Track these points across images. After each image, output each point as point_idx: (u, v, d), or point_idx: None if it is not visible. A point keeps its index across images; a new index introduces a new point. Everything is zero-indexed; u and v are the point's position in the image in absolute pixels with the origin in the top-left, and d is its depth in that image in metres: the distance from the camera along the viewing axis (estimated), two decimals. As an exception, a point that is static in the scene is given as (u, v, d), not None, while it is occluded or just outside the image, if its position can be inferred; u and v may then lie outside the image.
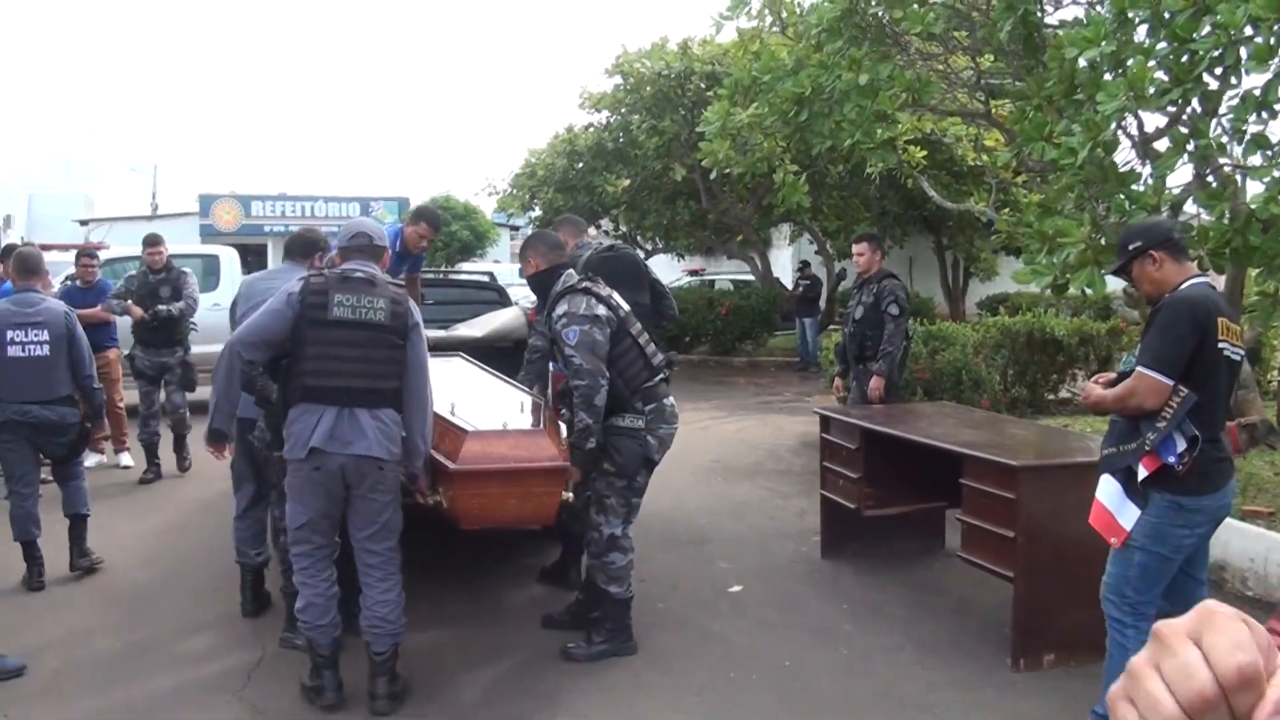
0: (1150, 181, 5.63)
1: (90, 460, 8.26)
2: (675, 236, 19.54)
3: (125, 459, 8.49)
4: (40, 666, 4.42)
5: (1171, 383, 3.35)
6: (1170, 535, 3.45)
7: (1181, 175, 6.06)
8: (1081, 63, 5.57)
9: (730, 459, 9.08)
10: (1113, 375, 3.72)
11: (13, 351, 5.44)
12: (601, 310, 4.37)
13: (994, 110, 8.27)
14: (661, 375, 4.57)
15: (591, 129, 17.62)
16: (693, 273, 26.09)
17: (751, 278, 20.25)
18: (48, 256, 7.49)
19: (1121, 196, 5.53)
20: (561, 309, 4.39)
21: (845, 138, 7.18)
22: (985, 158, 10.04)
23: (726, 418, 11.66)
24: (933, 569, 5.76)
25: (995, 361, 8.57)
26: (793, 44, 7.94)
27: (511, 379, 5.35)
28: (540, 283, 4.60)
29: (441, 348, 6.05)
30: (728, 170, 9.38)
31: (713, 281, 22.87)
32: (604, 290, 4.50)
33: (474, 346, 6.13)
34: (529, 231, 8.96)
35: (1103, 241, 5.37)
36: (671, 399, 4.62)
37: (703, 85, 15.30)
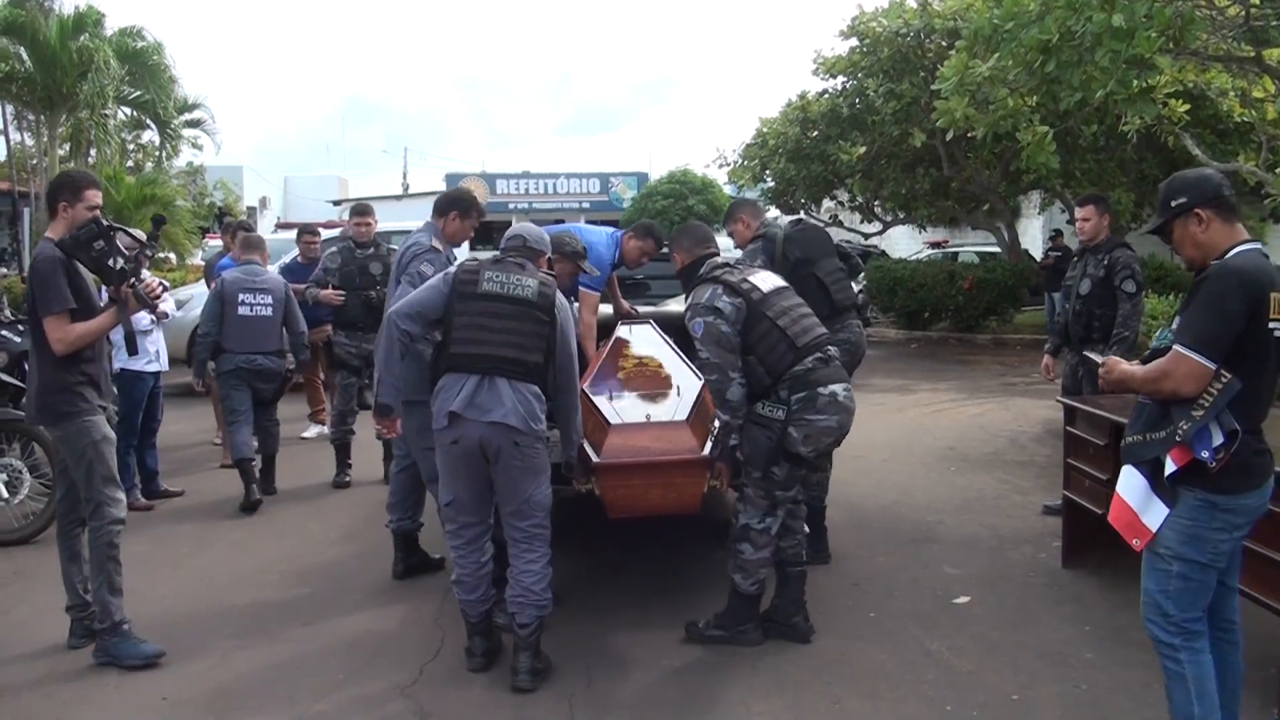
0: None
1: (311, 431, 8.67)
2: (915, 206, 18.50)
3: (311, 430, 8.83)
4: (211, 648, 4.40)
5: (1214, 366, 2.91)
6: (1207, 540, 3.00)
7: None
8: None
9: (966, 446, 8.38)
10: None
11: (243, 311, 6.77)
12: (724, 301, 4.18)
13: (1264, 56, 7.18)
14: (816, 356, 4.18)
15: (825, 95, 16.84)
16: (935, 245, 24.90)
17: (998, 250, 19.01)
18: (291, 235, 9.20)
19: None
20: (690, 300, 4.36)
21: (1098, 89, 6.33)
22: (1253, 112, 8.75)
23: (965, 400, 10.88)
24: (1194, 587, 4.96)
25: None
26: (1038, -15, 7.11)
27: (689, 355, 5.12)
28: (687, 276, 4.56)
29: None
30: (970, 133, 8.60)
31: (955, 254, 21.70)
32: (736, 275, 4.31)
33: (680, 322, 5.87)
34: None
35: None
36: (834, 386, 4.16)
37: (944, 43, 14.25)
